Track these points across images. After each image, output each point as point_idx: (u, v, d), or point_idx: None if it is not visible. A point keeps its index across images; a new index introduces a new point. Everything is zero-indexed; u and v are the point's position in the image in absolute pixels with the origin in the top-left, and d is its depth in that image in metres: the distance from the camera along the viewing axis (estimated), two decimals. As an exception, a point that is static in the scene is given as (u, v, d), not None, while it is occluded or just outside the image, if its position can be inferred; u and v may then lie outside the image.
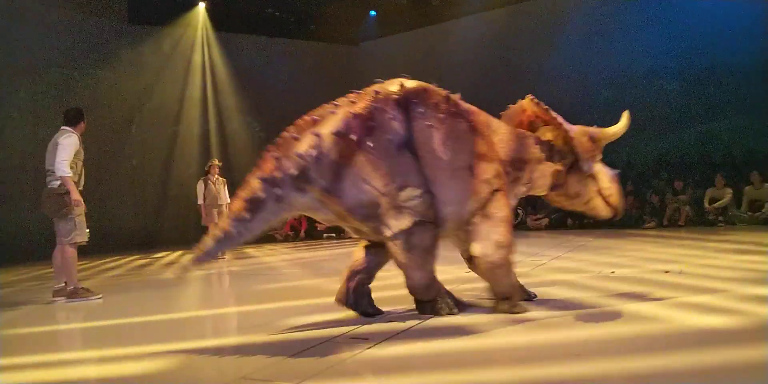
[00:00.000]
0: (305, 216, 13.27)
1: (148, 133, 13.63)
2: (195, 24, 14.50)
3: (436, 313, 3.69)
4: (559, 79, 13.67)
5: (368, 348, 3.03)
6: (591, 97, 13.28)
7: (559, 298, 4.13)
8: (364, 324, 3.62)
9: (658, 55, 13.03)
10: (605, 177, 4.03)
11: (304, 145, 3.48)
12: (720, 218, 10.14)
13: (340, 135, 3.46)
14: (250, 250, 10.54)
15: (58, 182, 5.35)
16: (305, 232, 13.18)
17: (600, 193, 4.02)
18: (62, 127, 5.57)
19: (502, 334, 3.23)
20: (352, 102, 3.63)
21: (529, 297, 4.09)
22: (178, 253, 10.62)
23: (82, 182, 5.59)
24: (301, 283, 6.11)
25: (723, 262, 5.52)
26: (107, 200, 11.94)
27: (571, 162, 3.95)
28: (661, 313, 3.48)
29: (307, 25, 15.71)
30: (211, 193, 9.37)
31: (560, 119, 3.92)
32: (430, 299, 3.70)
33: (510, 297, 3.72)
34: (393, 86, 3.67)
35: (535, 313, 3.71)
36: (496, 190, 3.65)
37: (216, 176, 9.52)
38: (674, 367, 2.51)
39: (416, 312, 3.84)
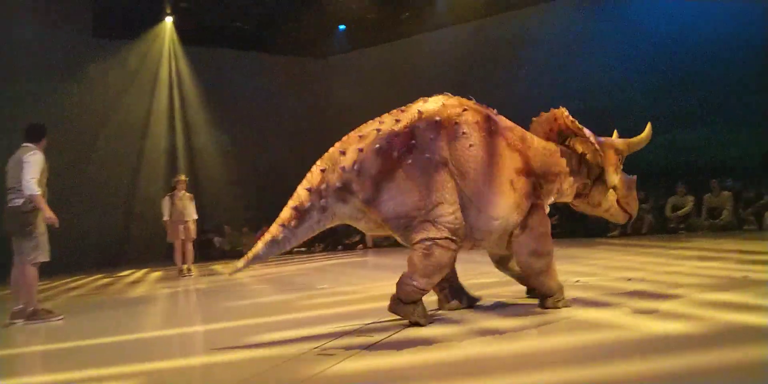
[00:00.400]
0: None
1: (114, 149, 13.41)
2: (162, 37, 14.40)
3: (409, 316, 3.80)
4: (527, 91, 13.92)
5: (336, 363, 3.01)
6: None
7: (526, 308, 4.17)
8: (332, 339, 3.60)
9: (624, 66, 13.39)
10: (624, 186, 4.36)
11: (349, 160, 3.76)
12: (681, 226, 10.40)
13: (381, 152, 3.72)
14: (218, 267, 10.42)
15: (22, 200, 5.21)
16: (276, 246, 13.09)
17: (619, 201, 4.37)
18: (24, 144, 5.43)
19: (470, 346, 3.25)
20: (397, 120, 3.86)
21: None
22: (144, 271, 10.43)
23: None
24: (270, 300, 6.06)
25: (683, 268, 5.66)
26: (71, 217, 11.64)
27: (597, 174, 4.26)
28: (623, 321, 3.55)
29: (275, 39, 15.72)
30: (176, 209, 9.25)
31: (592, 136, 4.15)
32: (409, 302, 3.78)
33: (553, 295, 4.06)
34: (436, 106, 3.89)
35: (502, 323, 3.74)
36: (534, 205, 3.97)
37: (182, 192, 9.40)
38: (636, 374, 2.56)
39: (384, 325, 3.86)
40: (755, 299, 3.87)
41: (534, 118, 4.41)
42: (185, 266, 9.29)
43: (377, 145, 3.73)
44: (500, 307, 4.30)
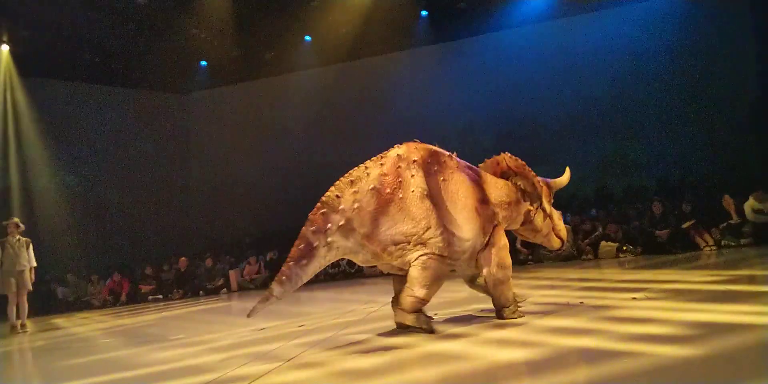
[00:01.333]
0: (126, 278, 12.33)
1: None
2: (-4, 68, 13.10)
3: (415, 324, 4.42)
4: (384, 134, 14.49)
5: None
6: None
7: (385, 344, 4.20)
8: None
9: (472, 112, 14.47)
10: (557, 216, 5.27)
11: (348, 201, 4.36)
12: (530, 257, 11.20)
13: (375, 191, 4.37)
14: (59, 321, 9.37)
15: None
16: (127, 295, 12.07)
17: (554, 229, 5.22)
18: None
19: (344, 361, 3.19)
20: (381, 164, 4.52)
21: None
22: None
23: None
24: (116, 355, 5.53)
25: (532, 298, 6.04)
26: None
27: (537, 205, 5.06)
28: (473, 351, 3.70)
29: (131, 73, 14.97)
30: (9, 256, 8.25)
31: (531, 172, 5.04)
32: (413, 311, 4.39)
33: (509, 306, 4.69)
34: (410, 149, 4.64)
35: (362, 361, 3.74)
36: (495, 226, 4.71)
37: (16, 237, 8.43)
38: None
39: (244, 373, 3.66)
40: (588, 324, 4.23)
41: (480, 164, 5.20)
42: (19, 322, 8.26)
43: (371, 186, 4.38)
44: (357, 345, 4.29)
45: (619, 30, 13.93)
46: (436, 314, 5.41)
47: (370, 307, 6.59)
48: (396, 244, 4.34)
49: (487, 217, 4.65)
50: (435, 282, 4.36)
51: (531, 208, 5.03)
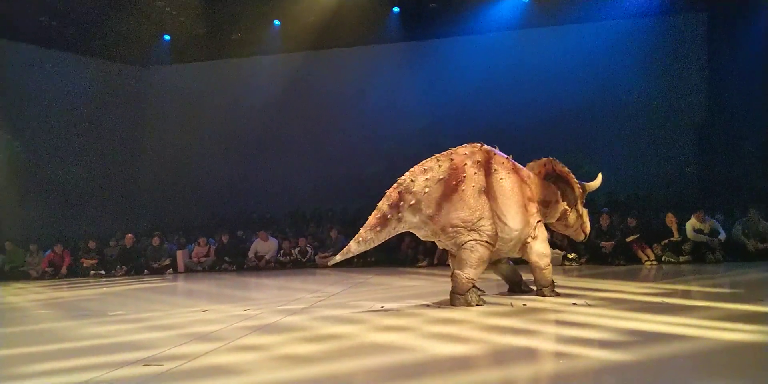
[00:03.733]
0: (68, 251, 11.89)
1: None
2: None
3: (468, 304, 5.19)
4: (346, 125, 14.55)
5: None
6: (376, 148, 14.40)
7: (327, 333, 4.21)
8: (112, 369, 3.27)
9: (436, 112, 14.58)
10: (586, 215, 6.09)
11: (419, 186, 5.25)
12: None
13: (443, 181, 5.24)
14: (-9, 289, 8.98)
15: None
16: (68, 268, 11.66)
17: (582, 225, 6.05)
18: None
19: (263, 372, 3.18)
20: (451, 159, 5.38)
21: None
22: None
23: None
24: (49, 326, 5.35)
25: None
26: None
27: (573, 204, 5.88)
28: (414, 344, 3.75)
29: (91, 40, 14.39)
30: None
31: (574, 177, 5.85)
32: (463, 293, 5.21)
33: (548, 286, 5.69)
34: (475, 150, 5.51)
35: (302, 347, 3.73)
36: (539, 221, 5.65)
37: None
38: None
39: (181, 352, 3.62)
40: (529, 325, 4.34)
41: (529, 163, 5.97)
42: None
43: (440, 177, 5.25)
44: (299, 331, 4.28)
45: (582, 45, 14.26)
46: (382, 307, 5.46)
47: (318, 296, 6.58)
48: (453, 226, 5.18)
49: (533, 213, 5.57)
50: (481, 264, 5.23)
51: (567, 208, 5.86)
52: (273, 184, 15.44)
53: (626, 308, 4.88)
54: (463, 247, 5.19)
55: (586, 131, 14.02)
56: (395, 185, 5.33)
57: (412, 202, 5.21)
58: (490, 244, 5.22)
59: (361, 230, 5.25)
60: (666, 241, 9.78)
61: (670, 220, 9.88)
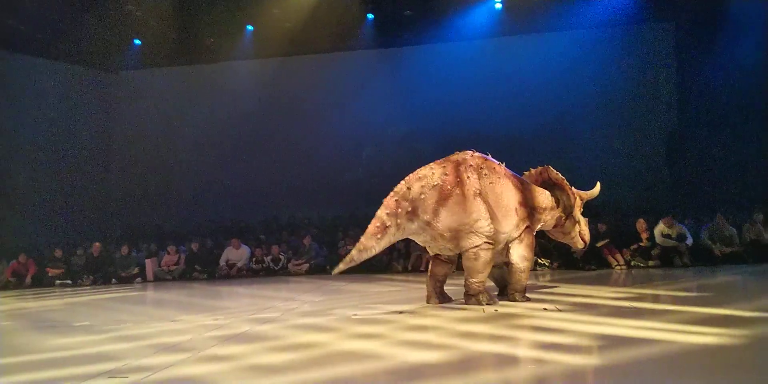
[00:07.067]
0: (33, 259, 11.57)
1: None
2: None
3: (479, 303, 5.48)
4: (324, 137, 14.50)
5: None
6: (353, 155, 14.38)
7: (298, 342, 4.15)
8: (77, 382, 3.17)
9: (415, 119, 14.64)
10: (584, 223, 6.33)
11: (416, 193, 5.39)
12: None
13: (438, 187, 5.40)
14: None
15: None
16: (32, 278, 11.34)
17: (580, 232, 6.28)
18: None
19: (231, 383, 3.11)
20: (444, 166, 5.56)
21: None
22: None
23: None
24: (10, 339, 5.18)
25: (446, 304, 6.15)
26: None
27: (569, 212, 6.07)
28: (386, 351, 3.72)
29: (58, 44, 14.08)
30: None
31: (569, 185, 6.05)
32: (475, 294, 5.51)
33: (520, 291, 5.77)
34: (467, 156, 5.70)
35: (272, 357, 3.67)
36: (527, 226, 5.75)
37: None
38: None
39: (147, 364, 3.52)
40: (499, 330, 4.35)
41: (525, 172, 6.21)
42: None
43: (435, 183, 5.41)
44: (270, 341, 4.22)
45: (553, 53, 14.51)
46: (355, 314, 5.42)
47: (289, 304, 6.51)
48: (451, 230, 5.36)
49: (522, 218, 5.67)
50: (486, 267, 5.49)
51: (562, 214, 6.05)
52: (248, 191, 15.29)
53: (596, 313, 4.93)
54: (466, 255, 5.44)
55: (557, 137, 14.22)
56: (392, 194, 5.44)
57: (409, 208, 5.35)
58: (489, 244, 5.43)
59: (362, 238, 5.34)
60: (635, 245, 9.92)
61: (641, 226, 10.03)
